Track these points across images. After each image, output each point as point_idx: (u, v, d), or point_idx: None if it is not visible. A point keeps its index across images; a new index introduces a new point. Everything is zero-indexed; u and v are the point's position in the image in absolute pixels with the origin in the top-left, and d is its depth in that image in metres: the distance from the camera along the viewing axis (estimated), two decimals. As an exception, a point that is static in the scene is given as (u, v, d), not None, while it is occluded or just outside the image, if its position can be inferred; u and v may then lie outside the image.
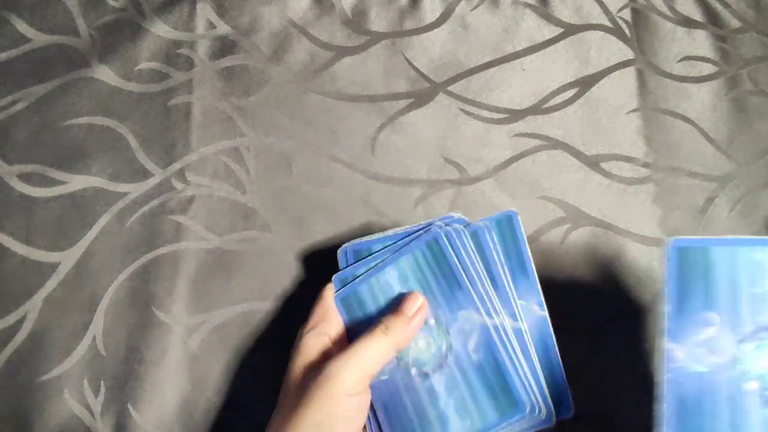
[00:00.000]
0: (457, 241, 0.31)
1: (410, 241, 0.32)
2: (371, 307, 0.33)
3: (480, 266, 0.31)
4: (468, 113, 0.43)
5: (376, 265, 0.33)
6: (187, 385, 0.38)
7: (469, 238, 0.32)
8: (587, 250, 0.41)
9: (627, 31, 0.44)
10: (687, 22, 0.45)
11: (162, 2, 0.44)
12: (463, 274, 0.30)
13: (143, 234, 0.40)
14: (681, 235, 0.28)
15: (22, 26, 0.43)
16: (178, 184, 0.41)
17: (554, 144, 0.42)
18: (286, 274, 0.40)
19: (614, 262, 0.40)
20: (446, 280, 0.31)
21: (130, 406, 0.37)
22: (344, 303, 0.33)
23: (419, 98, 0.43)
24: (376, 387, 0.31)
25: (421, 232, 0.33)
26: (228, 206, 0.40)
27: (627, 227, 0.41)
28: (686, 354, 0.25)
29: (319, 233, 0.40)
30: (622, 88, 0.43)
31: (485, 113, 0.43)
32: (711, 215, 0.42)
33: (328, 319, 0.33)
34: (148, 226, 0.40)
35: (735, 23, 0.45)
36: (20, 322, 0.38)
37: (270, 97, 0.42)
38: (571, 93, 0.43)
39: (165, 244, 0.40)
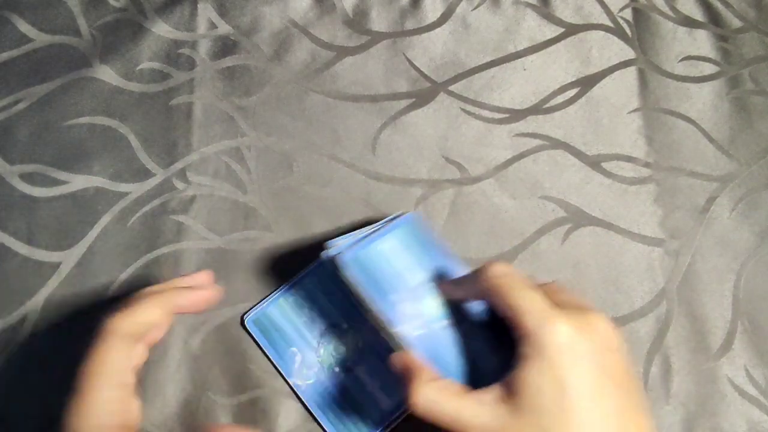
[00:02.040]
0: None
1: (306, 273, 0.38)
2: (286, 326, 0.37)
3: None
4: (469, 113, 0.43)
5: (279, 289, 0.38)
6: (187, 385, 0.38)
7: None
8: (588, 250, 0.41)
9: (628, 31, 0.44)
10: (688, 22, 0.45)
11: (163, 2, 0.44)
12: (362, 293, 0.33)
13: (144, 234, 0.40)
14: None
15: (23, 26, 0.43)
16: (179, 184, 0.41)
17: (555, 144, 0.42)
18: (287, 274, 0.40)
19: (615, 262, 0.40)
20: (352, 295, 0.35)
21: (131, 406, 0.37)
22: (259, 325, 0.37)
23: (420, 98, 0.43)
24: (304, 391, 0.36)
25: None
26: (229, 206, 0.41)
27: (628, 227, 0.41)
28: (300, 380, 0.36)
29: (320, 233, 0.40)
30: (623, 87, 0.43)
31: (486, 113, 0.43)
32: (712, 215, 0.42)
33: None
34: (149, 225, 0.40)
35: (736, 23, 0.45)
36: (21, 321, 0.38)
37: (271, 96, 0.42)
38: (572, 93, 0.43)
39: (166, 244, 0.40)
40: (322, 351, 0.37)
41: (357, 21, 0.44)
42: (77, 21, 0.43)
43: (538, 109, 0.43)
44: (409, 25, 0.44)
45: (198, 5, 0.43)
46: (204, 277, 0.35)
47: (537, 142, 0.42)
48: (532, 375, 0.26)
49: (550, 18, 0.44)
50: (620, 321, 0.40)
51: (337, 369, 0.36)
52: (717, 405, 0.38)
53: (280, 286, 0.38)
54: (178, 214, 0.40)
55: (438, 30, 0.44)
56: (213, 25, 0.43)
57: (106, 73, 0.42)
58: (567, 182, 0.42)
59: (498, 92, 0.43)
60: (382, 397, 0.35)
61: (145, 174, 0.41)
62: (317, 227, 0.40)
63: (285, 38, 0.43)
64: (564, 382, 0.26)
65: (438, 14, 0.44)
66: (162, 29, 0.43)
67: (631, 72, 0.44)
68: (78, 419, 0.27)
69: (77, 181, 0.40)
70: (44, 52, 0.42)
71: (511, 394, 0.26)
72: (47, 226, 0.40)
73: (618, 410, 0.26)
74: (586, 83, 0.43)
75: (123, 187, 0.40)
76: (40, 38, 0.43)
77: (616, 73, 0.43)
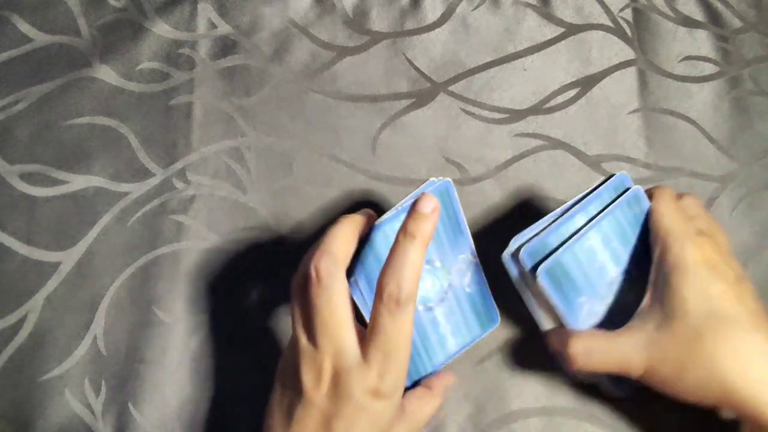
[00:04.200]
0: (456, 194, 0.34)
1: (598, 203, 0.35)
2: (578, 278, 0.33)
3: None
4: (469, 113, 0.43)
5: (570, 233, 0.34)
6: (188, 385, 0.38)
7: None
8: (588, 250, 0.41)
9: (628, 31, 0.44)
10: (688, 22, 0.45)
11: (163, 2, 0.44)
12: (464, 222, 0.35)
13: (144, 234, 0.40)
14: None
15: (23, 26, 0.43)
16: (179, 184, 0.41)
17: (555, 144, 0.42)
18: (287, 274, 0.39)
19: (615, 262, 0.40)
20: (451, 226, 0.34)
21: (131, 406, 0.37)
22: (550, 276, 0.32)
23: (420, 98, 0.43)
24: None
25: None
26: (229, 206, 0.41)
27: (628, 227, 0.41)
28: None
29: (321, 233, 0.40)
30: (623, 88, 0.43)
31: (486, 113, 0.43)
32: (712, 215, 0.41)
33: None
34: (149, 225, 0.40)
35: (736, 23, 0.45)
36: (21, 321, 0.38)
37: (271, 96, 0.42)
38: (572, 93, 0.43)
39: (166, 244, 0.40)
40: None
41: (357, 21, 0.44)
42: (77, 21, 0.43)
43: (538, 109, 0.43)
44: (409, 25, 0.44)
45: (198, 5, 0.43)
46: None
47: (537, 142, 0.42)
48: (678, 287, 0.30)
49: (550, 18, 0.44)
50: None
51: (420, 307, 0.34)
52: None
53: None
54: (178, 214, 0.40)
55: (438, 30, 0.44)
56: (213, 25, 0.43)
57: (106, 73, 0.42)
58: (567, 182, 0.42)
59: (498, 92, 0.43)
60: (450, 338, 0.34)
61: (145, 174, 0.41)
62: (317, 227, 0.40)
63: (285, 38, 0.43)
64: (707, 291, 0.30)
65: (438, 14, 0.44)
66: (162, 29, 0.43)
67: (631, 72, 0.44)
68: None
69: (77, 181, 0.40)
70: (44, 52, 0.42)
71: (655, 311, 0.31)
72: (47, 226, 0.40)
73: (751, 311, 0.30)
74: (586, 83, 0.43)
75: (123, 187, 0.40)
76: (40, 38, 0.43)
77: (616, 73, 0.43)
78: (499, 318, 0.36)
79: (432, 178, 0.34)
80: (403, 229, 0.29)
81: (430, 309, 0.34)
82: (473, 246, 0.36)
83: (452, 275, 0.35)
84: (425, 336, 0.34)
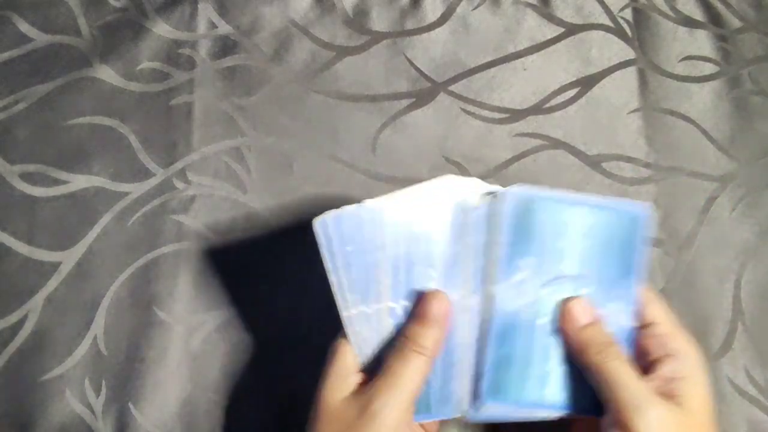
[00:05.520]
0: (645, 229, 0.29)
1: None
2: (537, 230, 0.29)
3: None
4: (469, 113, 0.43)
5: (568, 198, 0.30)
6: (188, 385, 0.38)
7: None
8: (588, 250, 0.41)
9: (628, 31, 0.44)
10: (688, 22, 0.45)
11: (163, 2, 0.44)
12: (641, 272, 0.30)
13: (144, 233, 0.40)
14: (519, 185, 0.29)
15: (23, 26, 0.43)
16: (179, 184, 0.41)
17: (555, 144, 0.42)
18: (287, 274, 0.40)
19: (615, 262, 0.40)
20: (622, 264, 0.29)
21: (131, 406, 0.37)
22: (517, 205, 0.29)
23: (420, 98, 0.43)
24: (497, 310, 0.30)
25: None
26: (229, 206, 0.41)
27: (628, 227, 0.41)
28: (501, 294, 0.29)
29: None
30: (623, 87, 0.43)
31: (486, 113, 0.43)
32: (712, 215, 0.42)
33: None
34: (150, 225, 0.40)
35: (736, 23, 0.45)
36: (22, 321, 0.38)
37: (271, 96, 0.42)
38: (572, 93, 0.43)
39: (166, 244, 0.40)
40: (547, 290, 0.29)
41: (357, 21, 0.44)
42: (77, 21, 0.43)
43: (538, 109, 0.43)
44: (410, 25, 0.44)
45: (198, 5, 0.43)
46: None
47: (537, 142, 0.42)
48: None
49: (550, 18, 0.44)
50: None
51: (543, 320, 0.29)
52: (717, 405, 0.38)
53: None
54: (178, 214, 0.40)
55: (438, 30, 0.44)
56: (213, 25, 0.43)
57: (106, 73, 0.42)
58: (567, 182, 0.42)
59: (498, 92, 0.43)
60: (552, 388, 0.29)
61: (145, 174, 0.41)
62: (317, 227, 0.40)
63: (285, 38, 0.43)
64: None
65: (438, 14, 0.44)
66: (162, 29, 0.43)
67: (631, 72, 0.44)
68: None
69: (77, 181, 0.40)
70: (44, 52, 0.42)
71: None
72: (47, 226, 0.40)
73: None
74: (586, 83, 0.43)
75: (123, 187, 0.40)
76: (40, 38, 0.43)
77: (616, 73, 0.43)
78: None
79: (632, 200, 0.30)
80: (405, 333, 0.28)
81: (555, 331, 0.29)
82: (637, 307, 0.29)
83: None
84: (528, 360, 0.29)
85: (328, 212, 0.29)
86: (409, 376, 0.27)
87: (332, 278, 0.29)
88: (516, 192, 0.29)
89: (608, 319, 0.29)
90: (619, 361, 0.27)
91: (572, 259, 0.29)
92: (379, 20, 0.44)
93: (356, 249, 0.29)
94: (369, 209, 0.29)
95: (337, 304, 0.29)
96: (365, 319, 0.29)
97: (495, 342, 0.29)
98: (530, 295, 0.29)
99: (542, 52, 0.44)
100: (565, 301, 0.29)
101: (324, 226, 0.29)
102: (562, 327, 0.29)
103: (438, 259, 0.29)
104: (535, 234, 0.29)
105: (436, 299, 0.28)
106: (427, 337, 0.28)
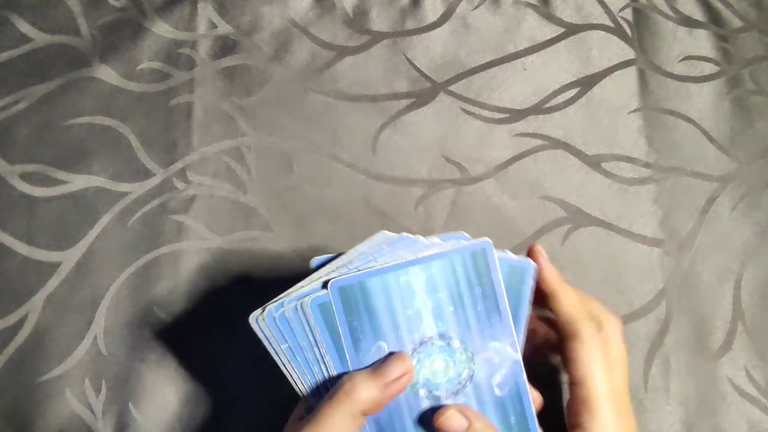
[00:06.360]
0: (497, 260, 0.28)
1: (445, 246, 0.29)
2: (380, 307, 0.28)
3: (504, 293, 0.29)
4: (469, 113, 0.43)
5: (393, 262, 0.28)
6: (188, 385, 0.38)
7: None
8: (588, 251, 0.41)
9: (628, 31, 0.44)
10: (688, 22, 0.45)
11: (163, 2, 0.44)
12: (505, 302, 0.28)
13: (144, 233, 0.40)
14: (339, 277, 0.28)
15: (23, 26, 0.43)
16: (179, 184, 0.41)
17: (555, 144, 0.42)
18: (287, 274, 0.40)
19: (615, 262, 0.40)
20: (485, 303, 0.28)
21: (131, 406, 0.37)
22: (342, 294, 0.27)
23: (420, 98, 0.43)
24: None
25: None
26: (229, 206, 0.41)
27: (628, 227, 0.41)
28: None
29: (320, 233, 0.40)
30: (623, 87, 0.43)
31: (486, 113, 0.43)
32: (712, 215, 0.42)
33: None
34: (150, 225, 0.40)
35: (736, 23, 0.45)
36: (21, 321, 0.38)
37: (271, 96, 0.42)
38: (572, 93, 0.43)
39: (166, 244, 0.40)
40: (414, 363, 0.28)
41: (357, 21, 0.44)
42: (77, 21, 0.43)
43: (538, 109, 0.43)
44: (410, 25, 0.44)
45: (198, 5, 0.43)
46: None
47: (537, 142, 0.42)
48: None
49: (550, 18, 0.44)
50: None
51: (422, 391, 0.28)
52: (717, 405, 0.38)
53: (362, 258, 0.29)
54: (178, 214, 0.40)
55: (438, 30, 0.44)
56: (213, 25, 0.43)
57: (106, 73, 0.42)
58: (567, 182, 0.42)
59: (498, 92, 0.43)
60: None
61: (145, 174, 0.41)
62: (317, 227, 0.40)
63: (285, 38, 0.43)
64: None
65: (438, 14, 0.44)
66: (162, 29, 0.43)
67: (631, 72, 0.44)
68: None
69: (77, 181, 0.40)
70: (44, 52, 0.42)
71: None
72: (47, 225, 0.40)
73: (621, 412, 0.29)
74: (586, 83, 0.43)
75: (123, 186, 0.40)
76: (40, 38, 0.43)
77: (617, 73, 0.43)
78: None
79: (461, 232, 0.30)
80: (346, 378, 0.26)
81: (436, 398, 0.28)
82: (517, 340, 0.28)
83: (475, 365, 0.28)
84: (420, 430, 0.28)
85: (259, 309, 0.28)
86: (334, 423, 0.26)
87: (282, 369, 0.29)
88: (336, 283, 0.28)
89: (495, 358, 0.28)
90: None
91: (429, 319, 0.28)
92: (379, 20, 0.44)
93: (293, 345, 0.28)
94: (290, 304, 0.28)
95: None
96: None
97: (374, 430, 0.28)
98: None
99: (542, 52, 0.44)
100: (438, 415, 0.27)
101: (255, 322, 0.28)
102: None
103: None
104: (377, 311, 0.28)
105: (398, 360, 0.27)
106: (370, 391, 0.26)
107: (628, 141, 0.42)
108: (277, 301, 0.28)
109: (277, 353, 0.28)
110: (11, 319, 0.38)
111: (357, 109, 0.42)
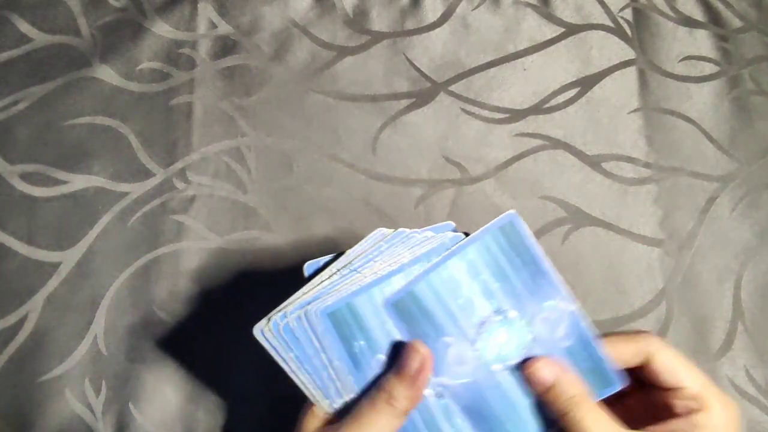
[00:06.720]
0: (526, 227, 0.29)
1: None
2: (433, 307, 0.29)
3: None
4: (469, 113, 0.43)
5: (430, 262, 0.29)
6: (188, 385, 0.38)
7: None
8: (588, 251, 0.41)
9: (628, 31, 0.44)
10: (688, 22, 0.45)
11: (163, 2, 0.44)
12: (546, 262, 0.29)
13: (144, 233, 0.40)
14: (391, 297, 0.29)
15: (23, 26, 0.43)
16: (179, 184, 0.41)
17: (555, 144, 0.42)
18: (287, 274, 0.40)
19: (615, 262, 0.40)
20: (527, 269, 0.29)
21: (131, 406, 0.37)
22: (397, 309, 0.29)
23: (420, 98, 0.43)
24: (455, 392, 0.30)
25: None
26: (229, 206, 0.41)
27: (628, 227, 0.41)
28: (449, 378, 0.29)
29: (320, 233, 0.40)
30: (623, 88, 0.43)
31: (486, 113, 0.43)
32: (712, 215, 0.42)
33: None
34: (150, 225, 0.40)
35: (736, 23, 0.45)
36: (21, 321, 0.38)
37: (271, 96, 0.42)
38: (572, 93, 0.43)
39: (166, 244, 0.40)
40: (480, 343, 0.29)
41: (357, 21, 0.44)
42: (77, 21, 0.43)
43: (538, 109, 0.43)
44: (410, 25, 0.44)
45: (198, 5, 0.43)
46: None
47: (537, 142, 0.42)
48: None
49: (550, 18, 0.44)
50: (620, 321, 0.40)
51: (497, 366, 0.29)
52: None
53: (412, 261, 0.29)
54: (178, 214, 0.40)
55: (438, 30, 0.44)
56: (213, 25, 0.43)
57: (106, 73, 0.42)
58: (567, 182, 0.42)
59: (498, 92, 0.43)
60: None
61: (145, 174, 0.41)
62: (317, 227, 0.40)
63: (285, 38, 0.43)
64: None
65: (438, 14, 0.44)
66: (162, 29, 0.43)
67: (631, 72, 0.44)
68: None
69: (77, 181, 0.40)
70: (44, 52, 0.42)
71: None
72: (47, 226, 0.40)
73: None
74: (586, 83, 0.43)
75: (123, 186, 0.40)
76: (40, 38, 0.43)
77: (617, 73, 0.43)
78: (623, 379, 0.29)
79: (448, 222, 0.30)
80: (381, 387, 0.27)
81: (510, 369, 0.29)
82: (566, 291, 0.29)
83: (537, 326, 0.29)
84: (510, 405, 0.29)
85: (264, 319, 0.29)
86: (378, 427, 0.27)
87: (292, 377, 0.29)
88: (390, 300, 0.29)
89: (552, 315, 0.29)
90: (593, 413, 0.27)
91: (481, 301, 0.29)
92: (379, 20, 0.44)
93: (300, 354, 0.29)
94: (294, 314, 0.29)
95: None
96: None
97: (469, 418, 0.29)
98: (470, 359, 0.29)
99: (542, 52, 0.44)
100: (527, 366, 0.28)
101: (260, 333, 0.29)
102: (534, 393, 0.29)
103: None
104: (432, 312, 0.29)
105: (412, 351, 0.28)
106: (402, 391, 0.27)
107: (628, 141, 0.42)
108: (281, 310, 0.28)
109: (286, 362, 0.29)
110: (11, 319, 0.38)
111: (357, 109, 0.42)
